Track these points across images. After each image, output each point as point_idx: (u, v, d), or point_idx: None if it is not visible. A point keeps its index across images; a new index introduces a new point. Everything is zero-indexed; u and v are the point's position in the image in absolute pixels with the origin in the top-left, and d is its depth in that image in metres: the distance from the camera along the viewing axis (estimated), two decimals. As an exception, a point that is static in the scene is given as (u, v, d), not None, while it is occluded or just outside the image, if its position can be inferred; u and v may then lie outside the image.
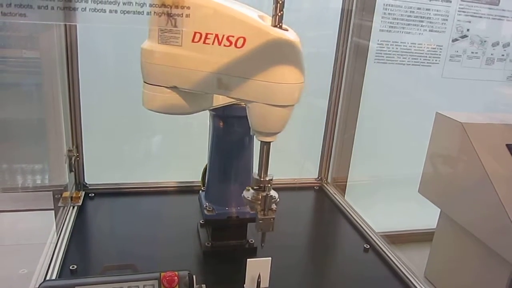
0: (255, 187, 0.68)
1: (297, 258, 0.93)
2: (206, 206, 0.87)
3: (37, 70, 1.03)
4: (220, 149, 0.87)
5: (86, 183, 1.12)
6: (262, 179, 0.68)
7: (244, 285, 0.72)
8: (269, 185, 0.68)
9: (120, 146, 1.29)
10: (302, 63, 0.61)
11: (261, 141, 0.66)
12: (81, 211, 1.02)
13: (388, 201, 1.64)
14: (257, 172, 0.69)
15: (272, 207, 0.67)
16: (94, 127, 1.16)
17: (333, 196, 1.21)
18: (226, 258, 0.87)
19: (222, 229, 0.88)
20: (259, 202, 0.67)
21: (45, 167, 1.23)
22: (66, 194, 1.03)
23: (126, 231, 0.96)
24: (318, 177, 1.32)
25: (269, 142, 0.66)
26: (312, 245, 1.02)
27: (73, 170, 1.08)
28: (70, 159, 1.06)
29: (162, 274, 0.57)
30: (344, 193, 1.37)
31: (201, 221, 0.95)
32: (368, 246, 0.96)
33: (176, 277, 0.57)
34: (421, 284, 0.84)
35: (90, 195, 1.08)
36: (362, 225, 1.05)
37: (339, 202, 1.17)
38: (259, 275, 0.70)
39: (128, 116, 1.25)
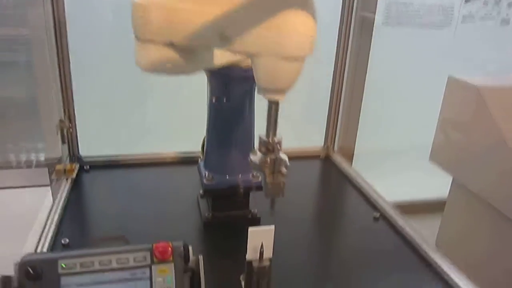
0: (263, 150, 0.63)
1: (304, 229, 0.88)
2: (205, 175, 0.82)
3: (28, 47, 0.99)
4: (219, 113, 0.81)
5: (81, 155, 1.07)
6: (270, 141, 0.62)
7: (246, 256, 0.67)
8: (278, 147, 0.63)
9: (116, 117, 1.23)
10: (314, 13, 0.55)
11: (269, 101, 0.60)
12: (75, 184, 0.97)
13: (397, 170, 1.59)
14: (264, 133, 0.63)
15: (282, 170, 0.62)
16: (89, 98, 1.11)
17: (340, 165, 1.16)
18: (228, 230, 0.83)
19: (223, 199, 0.83)
20: (267, 165, 0.62)
21: (38, 142, 1.19)
22: (60, 166, 0.98)
23: (122, 204, 0.91)
24: (324, 146, 1.26)
25: (278, 101, 0.60)
26: (319, 216, 0.97)
27: (66, 141, 1.03)
28: (62, 130, 1.01)
29: (154, 245, 0.52)
30: (351, 163, 1.31)
31: (200, 192, 0.90)
32: (378, 215, 0.92)
33: (169, 248, 0.52)
34: (433, 252, 0.79)
35: (85, 167, 1.03)
36: (372, 194, 0.99)
37: (347, 171, 1.12)
38: (262, 244, 0.66)
39: (124, 85, 1.20)
